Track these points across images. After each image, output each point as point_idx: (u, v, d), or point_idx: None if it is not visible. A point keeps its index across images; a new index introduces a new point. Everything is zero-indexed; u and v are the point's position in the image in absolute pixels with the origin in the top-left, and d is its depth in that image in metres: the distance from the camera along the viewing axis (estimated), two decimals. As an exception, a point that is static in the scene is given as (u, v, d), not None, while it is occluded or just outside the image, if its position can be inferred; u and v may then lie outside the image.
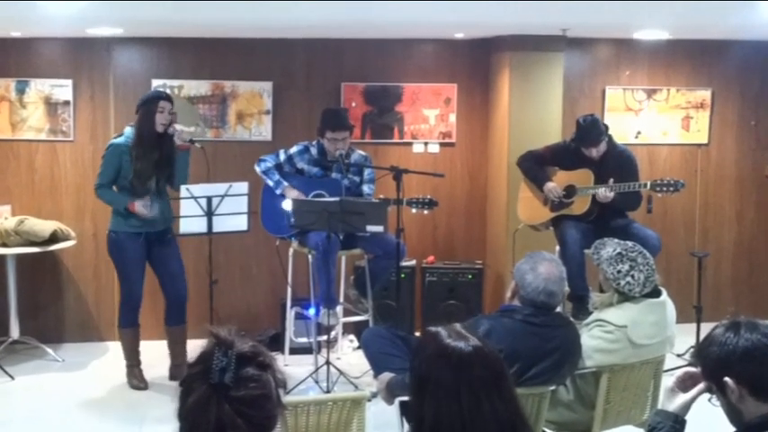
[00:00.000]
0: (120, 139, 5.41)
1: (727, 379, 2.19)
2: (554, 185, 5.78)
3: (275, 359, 1.90)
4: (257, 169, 5.78)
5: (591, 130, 5.60)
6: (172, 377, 5.64)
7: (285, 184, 5.71)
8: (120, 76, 6.48)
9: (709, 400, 2.31)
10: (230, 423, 1.77)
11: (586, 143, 5.62)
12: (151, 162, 5.32)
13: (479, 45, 6.70)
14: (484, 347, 2.14)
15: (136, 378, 5.58)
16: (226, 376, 1.79)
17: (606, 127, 5.70)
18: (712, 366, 2.24)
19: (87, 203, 6.50)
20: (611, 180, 5.55)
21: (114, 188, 5.43)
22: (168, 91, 6.39)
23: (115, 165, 5.35)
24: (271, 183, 5.73)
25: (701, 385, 2.34)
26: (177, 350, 5.63)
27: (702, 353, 2.28)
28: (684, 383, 2.42)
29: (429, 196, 5.71)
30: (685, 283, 6.76)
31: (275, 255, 5.99)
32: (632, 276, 3.83)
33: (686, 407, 2.40)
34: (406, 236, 5.43)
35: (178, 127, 5.39)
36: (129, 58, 6.51)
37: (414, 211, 5.72)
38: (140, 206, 5.31)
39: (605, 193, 5.53)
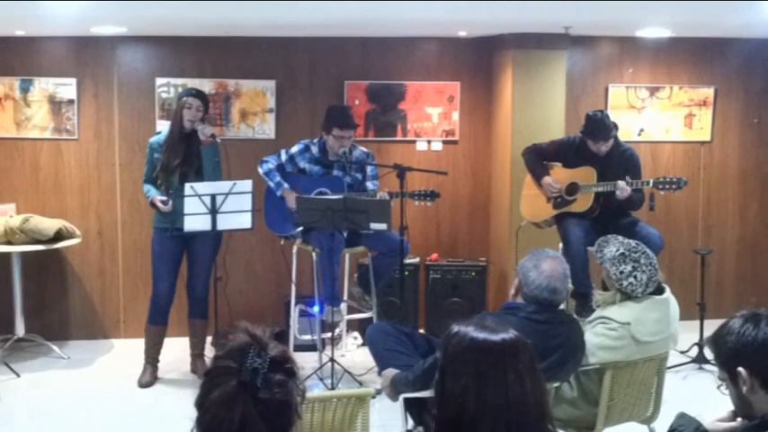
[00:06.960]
0: (154, 138, 5.62)
1: (740, 369, 2.21)
2: (552, 180, 5.77)
3: (299, 368, 1.90)
4: (260, 170, 5.80)
5: (602, 124, 5.57)
6: (192, 369, 5.79)
7: (285, 186, 5.72)
8: (124, 75, 6.50)
9: (719, 387, 2.32)
10: (253, 424, 1.77)
11: (596, 137, 5.57)
12: (177, 156, 5.44)
13: (482, 43, 6.71)
14: (515, 334, 2.17)
15: (148, 376, 5.61)
16: (258, 377, 1.79)
17: (615, 125, 5.68)
18: (727, 355, 2.25)
19: (92, 201, 6.53)
20: (627, 177, 5.49)
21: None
22: (172, 89, 6.43)
23: (150, 161, 5.56)
24: (272, 184, 5.75)
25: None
26: (195, 342, 5.78)
27: (719, 341, 2.28)
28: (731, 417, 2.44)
29: (431, 189, 5.72)
30: (688, 280, 6.77)
31: (279, 252, 6.02)
32: (635, 277, 3.84)
33: (717, 429, 2.42)
34: (409, 233, 5.46)
35: (200, 125, 5.47)
36: (133, 57, 6.53)
37: (417, 203, 5.72)
38: (159, 200, 5.43)
39: (625, 186, 5.43)
